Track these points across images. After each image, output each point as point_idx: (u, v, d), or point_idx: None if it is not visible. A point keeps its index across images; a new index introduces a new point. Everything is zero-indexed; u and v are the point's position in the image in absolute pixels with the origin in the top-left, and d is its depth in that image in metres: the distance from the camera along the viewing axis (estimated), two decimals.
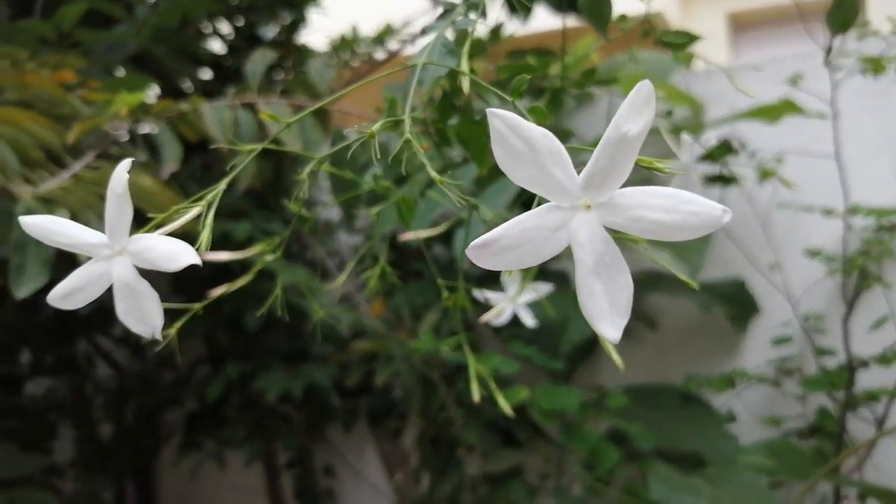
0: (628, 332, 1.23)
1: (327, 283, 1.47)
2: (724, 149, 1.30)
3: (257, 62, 0.97)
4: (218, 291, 0.49)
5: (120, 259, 0.34)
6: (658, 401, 1.41)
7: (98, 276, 0.34)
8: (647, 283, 1.49)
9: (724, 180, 1.33)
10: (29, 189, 0.67)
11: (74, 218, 0.69)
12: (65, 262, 0.68)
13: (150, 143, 0.88)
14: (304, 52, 1.41)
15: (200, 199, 0.37)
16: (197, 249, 0.33)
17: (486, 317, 0.56)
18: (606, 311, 0.28)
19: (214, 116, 0.88)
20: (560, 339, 1.31)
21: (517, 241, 0.27)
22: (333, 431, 1.88)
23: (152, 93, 1.22)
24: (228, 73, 1.43)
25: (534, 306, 0.65)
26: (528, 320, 0.63)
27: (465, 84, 0.37)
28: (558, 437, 1.21)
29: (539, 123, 0.27)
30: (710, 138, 1.36)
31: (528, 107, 0.33)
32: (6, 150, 0.67)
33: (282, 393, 1.48)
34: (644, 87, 0.26)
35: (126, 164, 0.33)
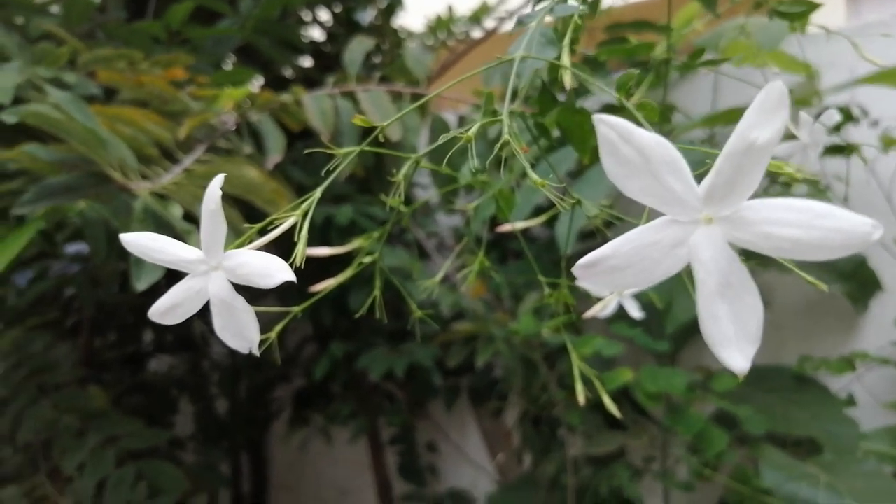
0: None
1: (426, 264, 1.48)
2: (845, 117, 1.22)
3: (355, 50, 0.98)
4: (319, 287, 0.50)
5: (216, 275, 0.34)
6: (770, 383, 1.36)
7: (196, 291, 0.35)
8: (762, 256, 1.43)
9: (845, 150, 1.25)
10: (146, 185, 0.70)
11: (186, 212, 0.72)
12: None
13: (254, 134, 0.91)
14: (400, 36, 1.42)
15: (297, 206, 0.38)
16: (291, 264, 0.33)
17: (591, 312, 0.55)
18: (732, 336, 0.25)
19: (315, 107, 0.89)
20: (665, 320, 1.27)
21: (629, 261, 0.25)
22: (436, 409, 1.91)
23: (257, 83, 1.26)
24: (328, 59, 1.46)
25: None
26: (635, 312, 0.62)
27: (568, 79, 0.35)
28: (663, 420, 1.18)
29: (649, 120, 0.25)
30: (828, 106, 1.28)
31: (639, 102, 0.31)
32: (125, 150, 0.71)
33: (385, 372, 1.51)
34: (775, 89, 0.23)
35: (219, 180, 0.33)
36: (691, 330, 1.48)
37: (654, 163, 0.24)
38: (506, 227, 0.54)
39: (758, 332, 0.25)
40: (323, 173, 0.39)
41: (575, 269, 0.25)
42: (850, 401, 1.31)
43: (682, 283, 1.32)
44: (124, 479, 1.44)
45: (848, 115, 1.22)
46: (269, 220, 0.38)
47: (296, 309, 0.47)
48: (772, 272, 1.46)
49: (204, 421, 1.97)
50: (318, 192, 0.38)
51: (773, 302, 1.51)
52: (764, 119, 0.23)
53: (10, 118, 0.65)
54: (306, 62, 1.47)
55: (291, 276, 0.31)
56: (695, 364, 1.49)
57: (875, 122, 1.24)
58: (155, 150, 0.77)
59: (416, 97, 0.96)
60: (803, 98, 1.28)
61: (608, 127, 0.24)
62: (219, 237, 0.33)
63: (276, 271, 0.32)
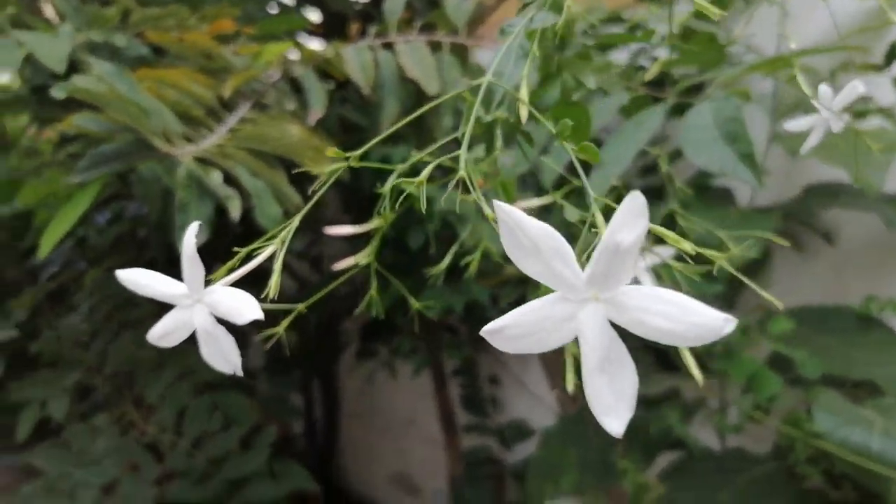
0: (802, 245, 1.16)
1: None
2: None
3: (395, 0, 0.98)
4: (343, 265, 0.52)
5: (199, 308, 0.37)
6: (831, 324, 1.32)
7: (183, 322, 0.38)
8: (825, 194, 1.37)
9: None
10: (190, 150, 0.73)
11: (227, 177, 0.75)
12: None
13: (297, 88, 0.92)
14: None
15: (273, 237, 0.39)
16: (262, 299, 0.35)
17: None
18: (612, 405, 0.28)
19: (356, 61, 0.90)
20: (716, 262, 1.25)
21: (527, 330, 0.28)
22: None
23: (313, 20, 1.26)
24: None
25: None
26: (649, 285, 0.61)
27: (524, 114, 0.35)
28: (716, 364, 1.18)
29: (592, 161, 0.26)
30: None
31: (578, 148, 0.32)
32: (169, 116, 0.74)
33: (444, 308, 1.54)
34: (636, 200, 0.25)
35: (194, 228, 0.36)
36: (753, 268, 1.45)
37: (542, 250, 0.27)
38: (521, 204, 0.54)
39: (633, 399, 0.28)
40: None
41: (483, 333, 0.28)
42: None
43: (738, 224, 1.30)
44: (201, 409, 1.54)
45: None
46: (250, 247, 0.39)
47: (300, 306, 0.49)
48: (838, 210, 1.41)
49: (274, 354, 2.06)
50: (296, 220, 0.39)
51: (837, 240, 1.46)
52: (628, 224, 0.25)
53: (59, 94, 0.69)
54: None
55: (259, 315, 0.34)
56: (755, 303, 1.47)
57: None
58: (200, 110, 0.80)
59: (455, 46, 0.95)
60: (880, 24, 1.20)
61: (505, 214, 0.26)
62: (198, 277, 0.36)
63: (245, 311, 0.34)
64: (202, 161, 0.72)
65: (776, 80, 1.26)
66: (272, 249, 0.39)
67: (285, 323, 0.48)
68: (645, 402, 1.27)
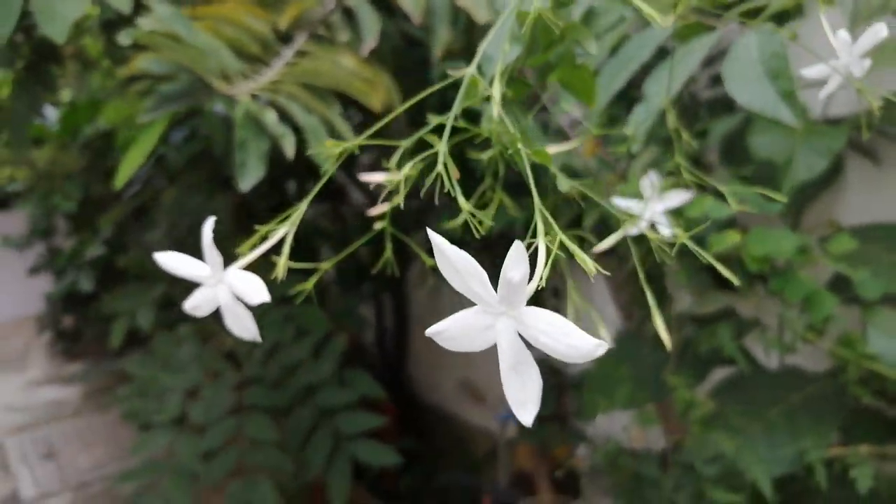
0: (878, 156, 1.14)
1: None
2: None
3: None
4: (376, 211, 0.55)
5: (221, 287, 0.43)
6: None
7: (210, 297, 0.43)
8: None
9: None
10: (247, 88, 0.77)
11: (282, 114, 0.79)
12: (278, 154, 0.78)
13: (351, 17, 0.94)
14: None
15: (286, 219, 0.43)
16: (270, 282, 0.40)
17: (600, 248, 0.58)
18: (523, 400, 0.33)
19: None
20: (783, 179, 1.23)
21: (459, 334, 0.34)
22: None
23: None
24: None
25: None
26: (666, 230, 0.63)
27: (496, 111, 0.37)
28: (770, 284, 1.18)
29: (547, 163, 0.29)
30: None
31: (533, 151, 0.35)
32: (226, 55, 0.77)
33: (505, 223, 1.57)
34: (518, 248, 0.30)
35: (210, 223, 0.41)
36: (822, 183, 1.42)
37: (462, 273, 0.32)
38: (552, 149, 0.55)
39: (538, 396, 0.34)
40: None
41: (428, 333, 0.34)
42: None
43: (803, 140, 1.27)
44: (275, 319, 1.64)
45: None
46: (265, 229, 0.43)
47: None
48: None
49: (346, 266, 2.15)
50: (303, 205, 0.42)
51: None
52: (514, 266, 0.30)
53: (125, 40, 0.73)
54: None
55: (266, 299, 0.40)
56: (825, 219, 1.44)
57: None
58: (256, 46, 0.83)
59: None
60: None
61: (436, 244, 0.32)
62: (217, 262, 0.42)
63: (254, 294, 0.41)
64: (259, 98, 0.75)
65: None
66: (282, 233, 0.44)
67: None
68: (699, 321, 1.28)
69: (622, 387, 1.33)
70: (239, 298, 0.42)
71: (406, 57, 1.08)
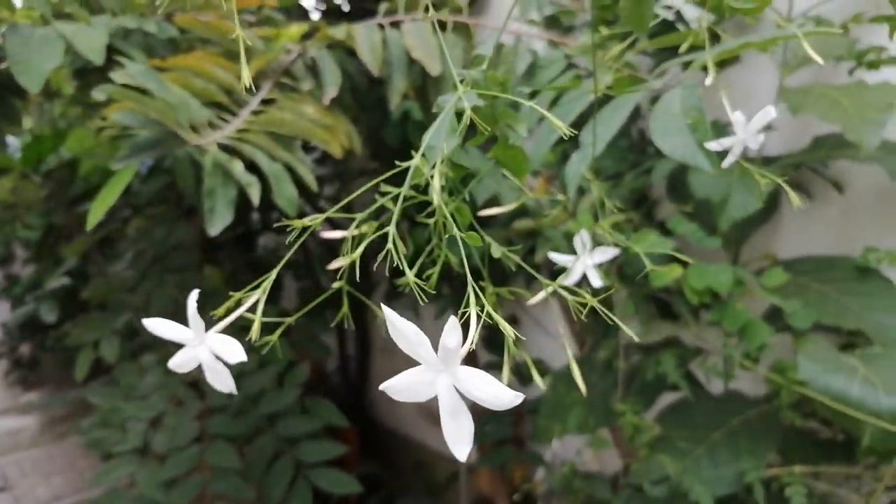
0: (812, 194, 1.23)
1: None
2: None
3: None
4: (335, 265, 0.60)
5: (202, 348, 0.48)
6: (830, 274, 1.38)
7: (192, 357, 0.48)
8: (836, 145, 1.40)
9: None
10: (214, 137, 0.82)
11: (248, 164, 0.83)
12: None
13: (313, 68, 0.99)
14: None
15: (258, 287, 0.48)
16: (248, 342, 0.46)
17: (532, 302, 0.64)
18: (459, 439, 0.40)
19: (366, 40, 0.96)
20: (719, 217, 1.30)
21: (407, 388, 0.40)
22: (517, 285, 2.04)
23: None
24: None
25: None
26: (596, 281, 0.69)
27: (435, 198, 0.43)
28: (709, 315, 1.25)
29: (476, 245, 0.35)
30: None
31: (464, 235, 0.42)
32: (195, 107, 0.82)
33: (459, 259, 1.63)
34: (452, 321, 0.37)
35: (194, 295, 0.46)
36: (759, 219, 1.50)
37: (411, 340, 0.39)
38: (490, 211, 0.62)
39: (471, 436, 0.40)
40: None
41: (381, 388, 0.40)
42: None
43: (740, 178, 1.36)
44: None
45: None
46: (240, 294, 0.48)
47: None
48: (843, 161, 1.45)
49: (308, 295, 2.19)
50: (273, 273, 0.48)
51: (845, 189, 1.50)
52: (450, 335, 0.37)
53: (99, 96, 0.78)
54: None
55: (243, 358, 0.46)
56: (764, 251, 1.52)
57: None
58: (224, 96, 0.88)
59: (458, 25, 1.01)
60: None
61: (387, 317, 0.39)
62: (200, 327, 0.47)
63: (232, 354, 0.46)
64: (226, 148, 0.80)
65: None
66: (255, 298, 0.49)
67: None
68: (645, 349, 1.35)
69: (574, 412, 1.39)
70: (218, 358, 0.47)
71: (367, 95, 1.14)
